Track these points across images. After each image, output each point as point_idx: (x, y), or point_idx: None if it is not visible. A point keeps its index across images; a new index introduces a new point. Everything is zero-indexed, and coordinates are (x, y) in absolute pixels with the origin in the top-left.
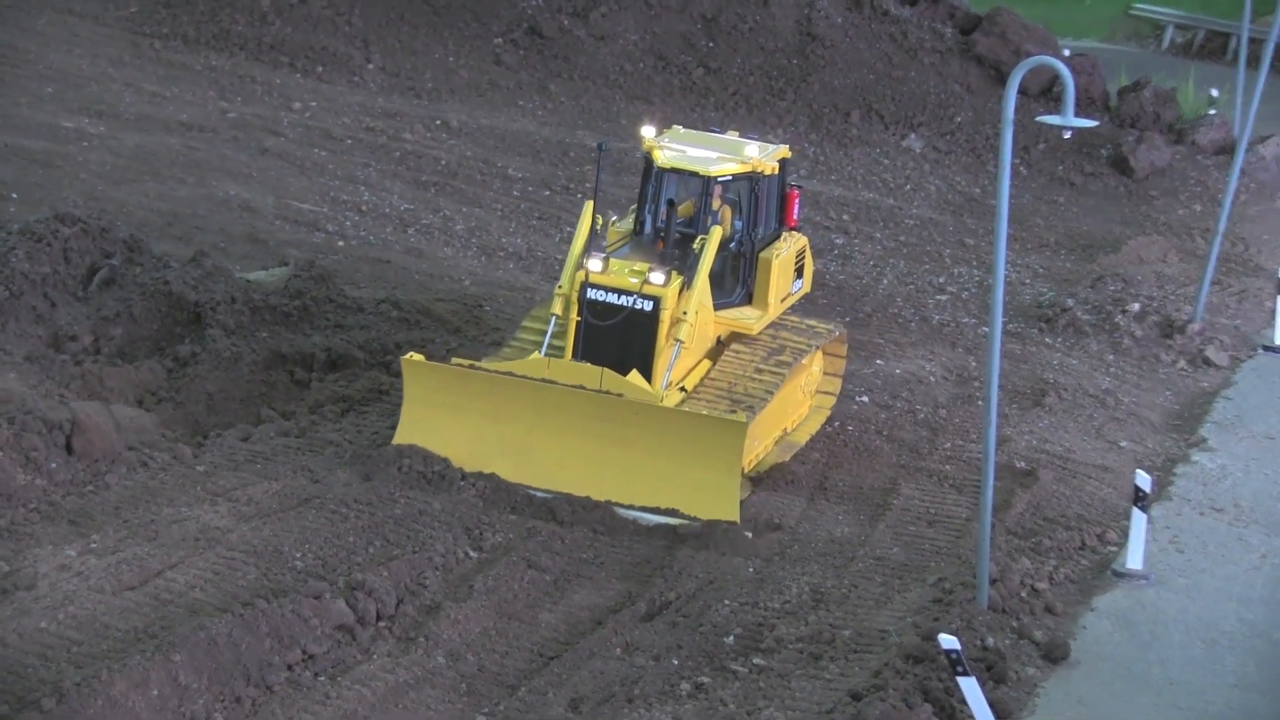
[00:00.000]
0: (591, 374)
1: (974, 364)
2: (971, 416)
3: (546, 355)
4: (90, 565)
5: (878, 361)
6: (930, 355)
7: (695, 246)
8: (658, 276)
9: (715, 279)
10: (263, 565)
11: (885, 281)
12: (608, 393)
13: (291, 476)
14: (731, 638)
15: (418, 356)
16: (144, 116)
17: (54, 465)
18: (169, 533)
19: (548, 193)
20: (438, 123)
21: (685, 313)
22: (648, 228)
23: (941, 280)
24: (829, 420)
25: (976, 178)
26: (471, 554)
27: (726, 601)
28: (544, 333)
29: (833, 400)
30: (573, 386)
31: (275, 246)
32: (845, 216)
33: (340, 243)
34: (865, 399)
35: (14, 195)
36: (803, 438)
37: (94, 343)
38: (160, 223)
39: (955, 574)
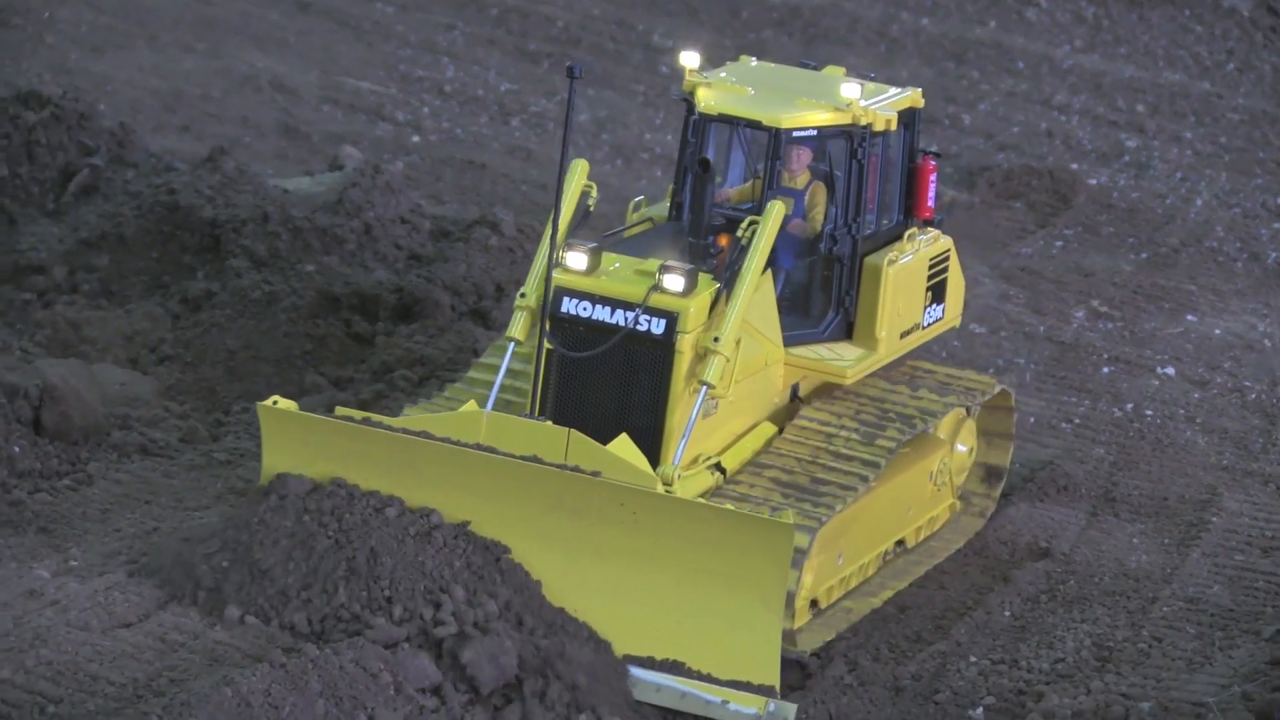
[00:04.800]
0: (552, 438)
1: None
2: None
3: (495, 406)
4: (70, 592)
5: (1189, 317)
6: (1265, 309)
7: (741, 233)
8: (674, 280)
9: (795, 297)
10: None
11: (1199, 202)
12: (576, 469)
13: None
14: (981, 711)
15: (285, 403)
16: None
17: (16, 449)
18: None
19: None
20: None
21: (717, 339)
22: (688, 211)
23: None
24: (1113, 415)
25: None
26: None
27: (973, 659)
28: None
29: (988, 508)
30: (522, 459)
31: (322, 143)
32: (1140, 108)
33: (415, 138)
34: (1170, 371)
35: None
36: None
37: (69, 276)
38: (159, 107)
39: None
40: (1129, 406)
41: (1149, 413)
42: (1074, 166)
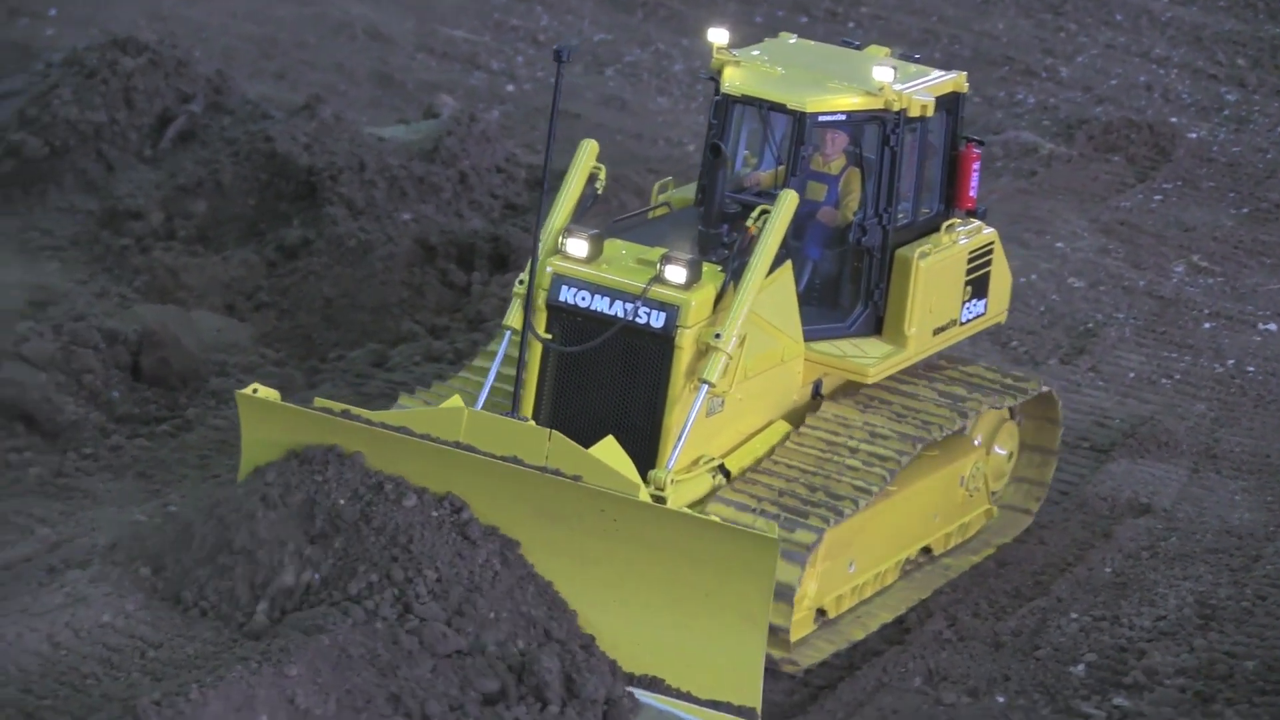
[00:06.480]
0: (533, 439)
1: None
2: None
3: (488, 401)
4: None
5: None
6: None
7: (751, 222)
8: (676, 271)
9: (823, 288)
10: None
11: None
12: (557, 473)
13: None
14: (1082, 667)
15: (266, 392)
16: None
17: (115, 394)
18: None
19: (804, 20)
20: None
21: (719, 335)
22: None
23: None
24: (1212, 372)
25: None
26: None
27: (1073, 615)
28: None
29: (1031, 509)
30: (501, 459)
31: (417, 91)
32: (1240, 61)
33: (509, 87)
34: (1272, 327)
35: (52, 13)
36: (961, 565)
37: (166, 222)
38: (255, 54)
39: None
40: (1230, 362)
41: (1250, 369)
42: (1173, 120)
